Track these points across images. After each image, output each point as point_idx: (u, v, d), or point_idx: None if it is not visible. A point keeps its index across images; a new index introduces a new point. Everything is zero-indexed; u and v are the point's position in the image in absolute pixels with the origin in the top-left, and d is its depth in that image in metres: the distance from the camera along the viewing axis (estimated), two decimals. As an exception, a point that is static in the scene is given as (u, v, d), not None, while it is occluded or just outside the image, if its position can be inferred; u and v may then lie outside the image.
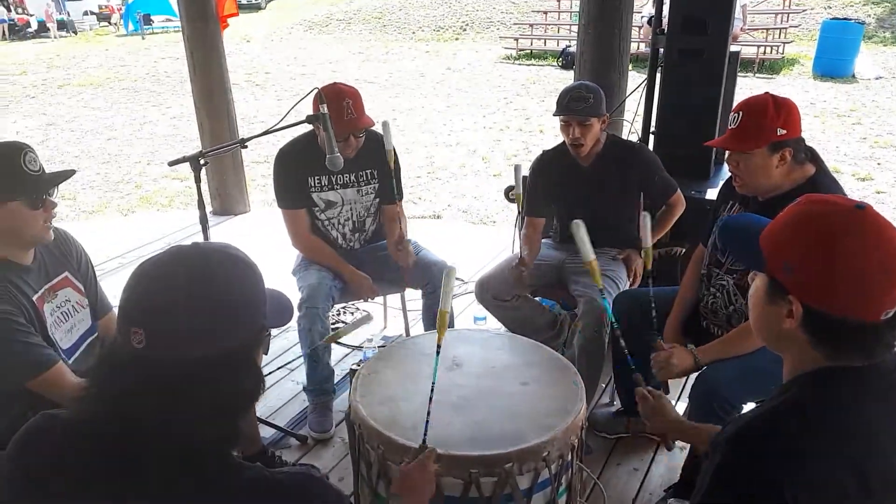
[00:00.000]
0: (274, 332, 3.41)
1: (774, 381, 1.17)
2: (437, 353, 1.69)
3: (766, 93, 2.06)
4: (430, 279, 2.84)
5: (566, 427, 1.78)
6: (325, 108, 2.32)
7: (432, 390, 1.65)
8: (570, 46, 12.97)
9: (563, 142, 2.78)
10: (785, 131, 1.96)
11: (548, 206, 2.96)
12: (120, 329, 0.96)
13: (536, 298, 3.04)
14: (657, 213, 2.87)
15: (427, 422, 1.62)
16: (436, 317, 2.79)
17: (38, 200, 1.76)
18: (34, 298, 1.82)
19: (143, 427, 0.92)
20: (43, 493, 0.97)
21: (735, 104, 2.27)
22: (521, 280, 2.73)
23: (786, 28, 12.73)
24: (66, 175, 1.87)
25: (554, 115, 2.70)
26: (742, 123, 2.02)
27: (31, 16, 23.79)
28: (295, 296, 2.71)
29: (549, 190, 2.90)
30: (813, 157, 2.07)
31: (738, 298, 2.17)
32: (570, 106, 2.62)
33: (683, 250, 3.07)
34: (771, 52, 12.02)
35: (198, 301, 0.95)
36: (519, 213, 2.86)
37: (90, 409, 0.97)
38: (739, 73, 3.69)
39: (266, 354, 1.12)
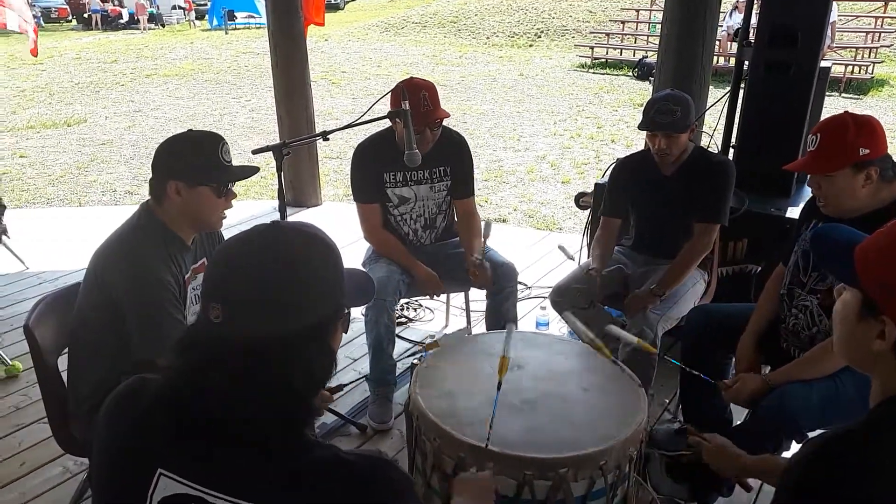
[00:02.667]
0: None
1: (859, 413, 1.12)
2: (498, 389, 1.71)
3: (845, 111, 1.98)
4: (496, 280, 2.84)
5: (625, 438, 1.75)
6: (406, 105, 2.36)
7: (492, 418, 1.67)
8: (646, 57, 12.76)
9: (647, 147, 2.74)
10: (868, 150, 1.88)
11: (625, 208, 2.91)
12: (202, 306, 0.99)
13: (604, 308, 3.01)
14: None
15: (489, 434, 1.65)
16: (498, 318, 2.83)
17: (224, 189, 1.89)
18: (185, 277, 1.94)
19: (215, 401, 0.94)
20: (125, 457, 1.01)
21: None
22: (593, 283, 2.68)
23: (877, 48, 12.19)
24: (253, 171, 1.98)
25: (639, 128, 2.66)
26: (821, 145, 1.95)
27: (124, 7, 24.96)
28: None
29: (628, 193, 2.86)
30: None
31: (822, 319, 2.08)
32: (656, 119, 2.57)
33: (759, 268, 2.99)
34: (860, 72, 11.53)
35: (273, 277, 0.96)
36: (589, 219, 2.84)
37: (170, 383, 1.00)
38: (826, 92, 3.56)
39: (346, 333, 1.13)
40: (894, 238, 1.06)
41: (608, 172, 3.02)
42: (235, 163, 1.95)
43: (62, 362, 2.00)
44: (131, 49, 17.37)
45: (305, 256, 1.01)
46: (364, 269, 1.19)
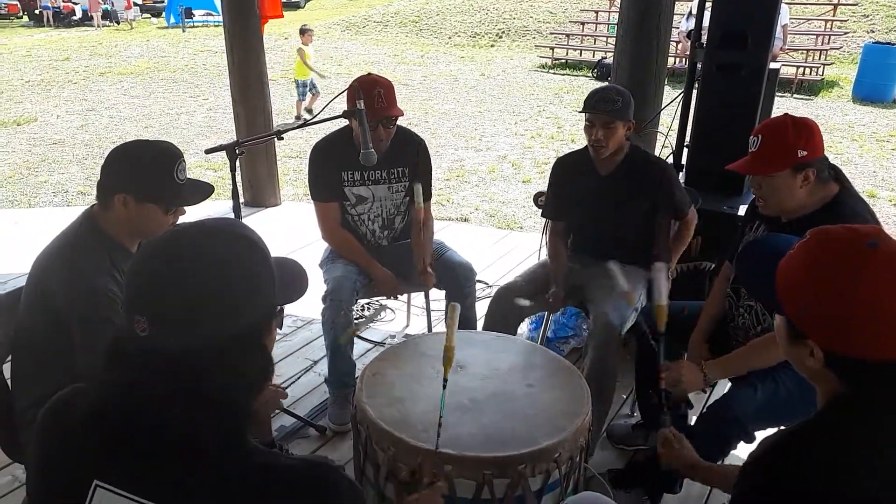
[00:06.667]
0: (299, 322, 3.48)
1: (801, 411, 1.15)
2: (444, 387, 1.69)
3: (785, 114, 2.03)
4: (455, 280, 2.85)
5: (576, 428, 1.79)
6: (361, 104, 2.35)
7: (440, 424, 1.67)
8: (605, 58, 12.92)
9: (586, 146, 2.73)
10: (806, 152, 1.94)
11: (569, 209, 2.90)
12: (126, 318, 0.94)
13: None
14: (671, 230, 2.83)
15: (438, 434, 1.66)
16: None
17: (173, 208, 1.84)
18: None
19: (148, 413, 0.91)
20: (59, 469, 0.97)
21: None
22: (557, 302, 2.74)
23: (826, 50, 12.54)
24: (207, 194, 1.92)
25: (579, 111, 2.68)
26: (762, 146, 2.00)
27: (76, 4, 24.29)
28: (320, 288, 2.75)
29: (566, 194, 2.86)
30: (836, 175, 2.04)
31: (766, 318, 2.13)
32: (597, 105, 2.58)
33: (712, 265, 3.05)
34: (810, 74, 11.86)
35: (198, 283, 0.92)
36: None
37: (102, 395, 0.96)
38: (777, 94, 3.64)
39: (280, 329, 1.09)
40: (801, 261, 1.09)
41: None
42: (192, 173, 1.88)
43: (7, 368, 1.93)
44: (84, 46, 16.92)
45: (230, 257, 0.96)
46: (293, 260, 1.15)
